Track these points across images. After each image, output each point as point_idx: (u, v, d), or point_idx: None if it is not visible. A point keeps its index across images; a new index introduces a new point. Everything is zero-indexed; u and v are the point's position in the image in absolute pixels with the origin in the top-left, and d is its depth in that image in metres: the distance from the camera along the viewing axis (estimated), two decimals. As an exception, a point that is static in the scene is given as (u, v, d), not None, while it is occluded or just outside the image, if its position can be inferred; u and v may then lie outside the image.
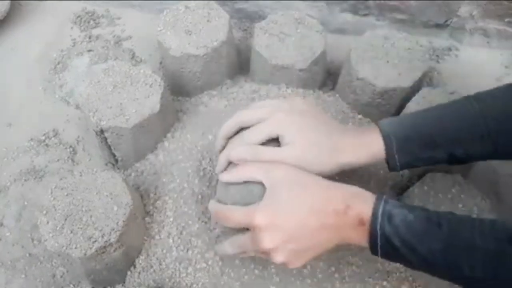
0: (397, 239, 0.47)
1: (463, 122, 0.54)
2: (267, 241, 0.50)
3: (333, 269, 0.64)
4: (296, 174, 0.53)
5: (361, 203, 0.50)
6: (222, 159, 0.59)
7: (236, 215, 0.53)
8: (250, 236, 0.53)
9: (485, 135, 0.53)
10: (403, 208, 0.48)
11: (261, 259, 0.63)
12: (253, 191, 0.55)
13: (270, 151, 0.56)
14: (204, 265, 0.65)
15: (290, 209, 0.50)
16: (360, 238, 0.50)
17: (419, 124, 0.56)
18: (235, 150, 0.57)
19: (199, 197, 0.70)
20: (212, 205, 0.58)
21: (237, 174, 0.56)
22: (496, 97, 0.55)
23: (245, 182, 0.55)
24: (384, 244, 0.48)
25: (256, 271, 0.64)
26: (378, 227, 0.48)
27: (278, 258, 0.51)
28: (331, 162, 0.55)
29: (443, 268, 0.47)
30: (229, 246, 0.57)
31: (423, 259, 0.47)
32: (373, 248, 0.49)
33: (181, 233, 0.67)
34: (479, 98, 0.55)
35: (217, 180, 0.61)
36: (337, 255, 0.65)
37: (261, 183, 0.54)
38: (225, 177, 0.57)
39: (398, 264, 0.65)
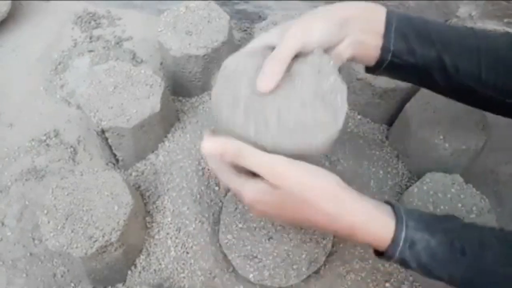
0: (415, 264, 0.46)
1: (459, 33, 0.54)
2: (251, 209, 0.50)
3: (335, 272, 0.65)
4: (307, 189, 0.47)
5: (374, 232, 0.47)
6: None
7: (227, 182, 0.50)
8: (237, 189, 0.49)
9: (474, 52, 0.53)
10: (424, 232, 0.46)
11: None
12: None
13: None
14: (201, 266, 0.65)
15: (286, 217, 0.49)
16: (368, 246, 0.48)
17: (421, 20, 0.55)
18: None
19: (198, 196, 0.70)
20: (209, 146, 0.48)
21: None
22: (496, 36, 0.56)
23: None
24: (397, 262, 0.47)
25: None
26: (397, 253, 0.46)
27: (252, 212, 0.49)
28: (330, 17, 0.52)
29: None
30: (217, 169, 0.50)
31: (439, 279, 0.47)
32: (381, 258, 0.48)
33: (178, 233, 0.68)
34: (483, 30, 0.56)
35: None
36: (338, 258, 0.65)
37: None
38: None
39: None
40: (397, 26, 0.52)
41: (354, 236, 0.47)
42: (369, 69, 0.56)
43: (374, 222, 0.47)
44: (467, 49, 0.53)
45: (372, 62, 0.53)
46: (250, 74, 0.48)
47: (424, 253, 0.46)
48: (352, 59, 0.54)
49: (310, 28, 0.50)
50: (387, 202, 0.49)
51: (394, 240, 0.46)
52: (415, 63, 0.53)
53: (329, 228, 0.48)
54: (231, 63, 0.50)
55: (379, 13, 0.53)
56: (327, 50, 0.52)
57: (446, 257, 0.45)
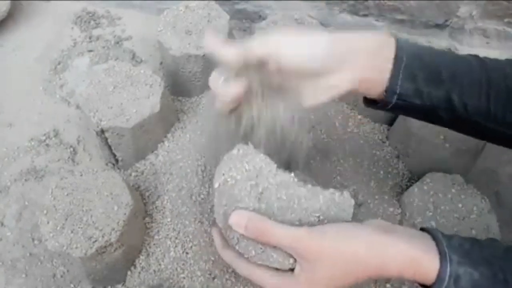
0: None
1: (469, 66, 0.52)
2: None
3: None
4: (340, 251, 0.46)
5: (420, 272, 0.46)
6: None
7: (266, 282, 0.49)
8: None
9: (483, 86, 0.50)
10: (467, 266, 0.45)
11: None
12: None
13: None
14: (201, 266, 0.65)
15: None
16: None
17: (431, 54, 0.52)
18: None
19: (197, 196, 0.70)
20: (229, 257, 0.52)
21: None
22: (507, 64, 0.53)
23: None
24: None
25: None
26: None
27: None
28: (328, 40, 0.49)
29: None
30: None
31: None
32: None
33: (178, 233, 0.68)
34: (494, 60, 0.53)
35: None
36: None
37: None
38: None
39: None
40: (407, 65, 0.49)
41: (402, 277, 0.47)
42: (368, 104, 0.53)
43: (420, 261, 0.46)
44: (477, 83, 0.51)
45: (373, 97, 0.51)
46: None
47: (468, 286, 0.45)
48: (348, 94, 0.51)
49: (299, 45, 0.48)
50: (424, 229, 0.48)
51: (439, 277, 0.45)
52: (421, 104, 0.51)
53: (377, 277, 0.48)
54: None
55: (388, 48, 0.49)
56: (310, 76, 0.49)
57: None
